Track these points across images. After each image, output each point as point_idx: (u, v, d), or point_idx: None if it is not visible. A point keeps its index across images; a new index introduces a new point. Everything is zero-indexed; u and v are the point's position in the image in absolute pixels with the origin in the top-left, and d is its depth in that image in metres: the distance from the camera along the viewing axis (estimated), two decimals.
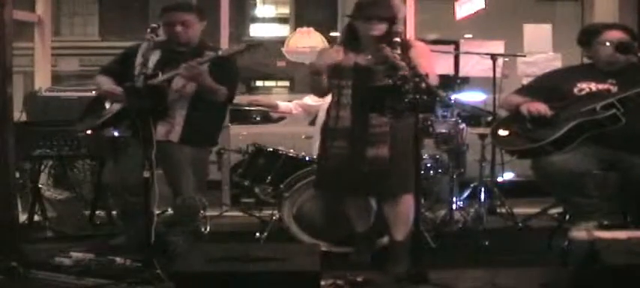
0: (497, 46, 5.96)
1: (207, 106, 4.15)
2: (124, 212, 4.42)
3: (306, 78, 4.15)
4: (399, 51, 3.68)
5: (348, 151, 3.88)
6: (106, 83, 4.25)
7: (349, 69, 3.91)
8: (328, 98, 5.11)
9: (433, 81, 3.74)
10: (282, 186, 4.47)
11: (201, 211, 5.10)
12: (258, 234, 4.63)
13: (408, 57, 3.71)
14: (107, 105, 4.28)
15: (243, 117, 8.15)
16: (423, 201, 4.16)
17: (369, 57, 3.84)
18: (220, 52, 4.09)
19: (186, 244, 4.20)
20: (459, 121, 4.91)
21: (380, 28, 3.82)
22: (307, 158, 4.64)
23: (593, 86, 3.95)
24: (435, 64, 4.12)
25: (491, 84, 5.35)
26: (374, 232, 4.18)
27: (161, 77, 3.99)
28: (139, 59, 4.06)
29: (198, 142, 4.22)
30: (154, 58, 4.11)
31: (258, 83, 19.85)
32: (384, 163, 3.81)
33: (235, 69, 4.27)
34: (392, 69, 3.64)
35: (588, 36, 4.12)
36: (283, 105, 5.39)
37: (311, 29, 6.73)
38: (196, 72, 3.95)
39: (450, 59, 6.27)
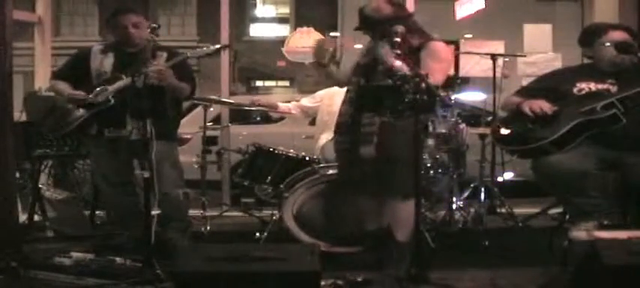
0: (497, 46, 5.96)
1: (170, 103, 4.20)
2: (118, 212, 4.50)
3: (306, 77, 4.15)
4: (398, 51, 3.67)
5: (348, 147, 3.88)
6: (66, 87, 4.28)
7: (363, 67, 3.91)
8: (326, 99, 5.15)
9: (436, 82, 3.72)
10: (282, 186, 4.46)
11: (202, 211, 5.12)
12: (258, 234, 4.64)
13: (415, 56, 3.69)
14: (70, 108, 4.26)
15: (243, 117, 8.15)
16: (423, 201, 4.15)
17: (372, 55, 3.82)
18: (189, 54, 4.25)
19: (183, 240, 4.21)
20: (459, 121, 4.91)
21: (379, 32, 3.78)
22: (307, 158, 4.64)
23: (593, 86, 3.95)
24: (448, 65, 4.02)
25: (491, 84, 5.35)
26: (385, 232, 4.15)
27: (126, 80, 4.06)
28: (94, 63, 4.24)
29: (168, 137, 4.23)
30: (109, 61, 4.25)
31: (259, 83, 19.87)
32: (372, 162, 3.75)
33: (191, 68, 4.54)
34: (389, 69, 3.64)
35: (590, 36, 4.11)
36: (283, 105, 5.41)
37: (311, 29, 6.73)
38: (166, 74, 4.01)
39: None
